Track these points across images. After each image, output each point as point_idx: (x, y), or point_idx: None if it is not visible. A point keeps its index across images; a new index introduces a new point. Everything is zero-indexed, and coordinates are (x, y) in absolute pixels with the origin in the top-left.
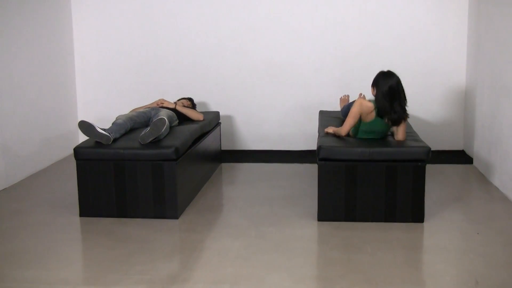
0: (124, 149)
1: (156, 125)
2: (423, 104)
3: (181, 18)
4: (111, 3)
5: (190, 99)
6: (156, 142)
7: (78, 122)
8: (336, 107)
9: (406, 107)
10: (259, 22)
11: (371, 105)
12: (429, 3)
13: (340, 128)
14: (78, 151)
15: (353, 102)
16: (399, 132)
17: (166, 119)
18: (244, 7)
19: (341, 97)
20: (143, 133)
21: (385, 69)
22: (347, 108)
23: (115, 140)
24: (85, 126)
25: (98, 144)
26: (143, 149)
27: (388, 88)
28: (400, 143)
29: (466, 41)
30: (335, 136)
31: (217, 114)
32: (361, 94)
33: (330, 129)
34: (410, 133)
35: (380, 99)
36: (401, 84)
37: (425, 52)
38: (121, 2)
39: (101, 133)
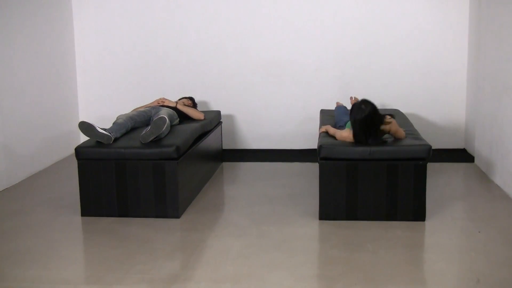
0: (125, 149)
1: (156, 124)
2: (424, 102)
3: (182, 17)
4: (112, 2)
5: (191, 98)
6: (157, 141)
7: (78, 123)
8: None
9: (382, 135)
10: (260, 21)
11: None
12: (429, 2)
13: (333, 131)
14: (80, 151)
15: (342, 107)
16: (395, 134)
17: (166, 117)
18: (245, 7)
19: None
20: (144, 132)
21: (361, 98)
22: (340, 111)
23: (116, 139)
24: (85, 127)
25: (99, 144)
26: (144, 148)
27: (359, 122)
28: (401, 142)
29: (467, 39)
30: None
31: (218, 113)
32: (352, 97)
33: (326, 129)
34: (411, 131)
35: (356, 136)
36: (370, 116)
37: (426, 51)
38: (122, 2)
39: (102, 133)
